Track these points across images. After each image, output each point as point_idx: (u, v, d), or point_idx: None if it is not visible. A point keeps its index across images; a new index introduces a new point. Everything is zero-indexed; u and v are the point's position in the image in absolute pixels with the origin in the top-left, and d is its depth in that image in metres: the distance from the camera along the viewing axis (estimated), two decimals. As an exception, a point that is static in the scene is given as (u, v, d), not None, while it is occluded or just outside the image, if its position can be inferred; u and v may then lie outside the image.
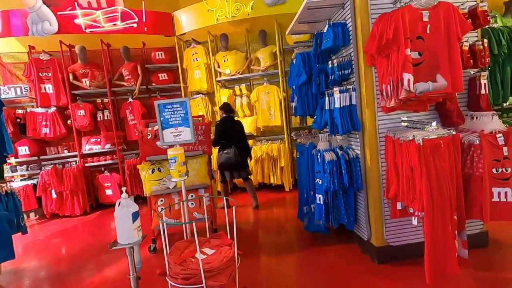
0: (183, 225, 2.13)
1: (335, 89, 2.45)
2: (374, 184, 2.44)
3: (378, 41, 2.09)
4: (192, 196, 3.17)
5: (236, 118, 4.42)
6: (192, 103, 5.40)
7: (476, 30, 2.35)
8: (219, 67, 5.30)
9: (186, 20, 5.12)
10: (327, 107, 2.56)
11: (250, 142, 5.25)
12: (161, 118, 2.03)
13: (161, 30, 5.12)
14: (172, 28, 5.20)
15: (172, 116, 2.03)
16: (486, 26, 2.44)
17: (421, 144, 1.97)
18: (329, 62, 2.57)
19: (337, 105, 2.45)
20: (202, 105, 5.34)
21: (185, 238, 2.21)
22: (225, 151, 3.98)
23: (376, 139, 2.39)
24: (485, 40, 2.24)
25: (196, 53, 5.27)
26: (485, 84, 2.28)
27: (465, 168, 2.14)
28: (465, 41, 2.24)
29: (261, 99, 5.05)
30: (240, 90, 5.28)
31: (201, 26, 4.97)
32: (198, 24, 5.00)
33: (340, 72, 2.44)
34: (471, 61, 2.26)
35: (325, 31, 2.52)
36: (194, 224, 1.64)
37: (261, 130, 5.24)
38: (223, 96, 5.23)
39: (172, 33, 5.21)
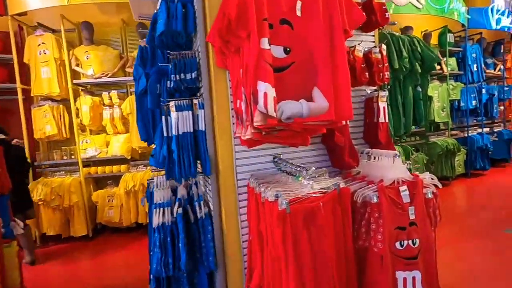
0: None
1: (171, 104, 1.45)
2: (234, 263, 1.50)
3: (220, 24, 1.18)
4: None
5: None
6: (36, 113, 3.82)
7: (372, 33, 1.68)
8: (79, 65, 3.89)
9: (26, -5, 3.61)
10: (165, 132, 1.55)
11: (122, 167, 3.97)
12: None
13: (-20, 3, 3.49)
14: (2, 4, 3.61)
15: None
16: (385, 30, 1.80)
17: (287, 211, 1.09)
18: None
19: (174, 131, 1.46)
20: (51, 116, 3.80)
21: None
22: None
23: (234, 189, 1.47)
24: (384, 47, 1.57)
25: (43, 43, 3.75)
26: (384, 108, 1.61)
27: (359, 240, 1.36)
28: (358, 44, 1.53)
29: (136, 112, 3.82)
30: (110, 98, 3.95)
31: (49, 5, 3.54)
32: (45, 2, 3.56)
33: (177, 77, 1.47)
34: (367, 74, 1.55)
35: (158, 7, 1.54)
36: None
37: (138, 152, 3.99)
38: (84, 105, 3.82)
39: (3, 11, 3.62)
